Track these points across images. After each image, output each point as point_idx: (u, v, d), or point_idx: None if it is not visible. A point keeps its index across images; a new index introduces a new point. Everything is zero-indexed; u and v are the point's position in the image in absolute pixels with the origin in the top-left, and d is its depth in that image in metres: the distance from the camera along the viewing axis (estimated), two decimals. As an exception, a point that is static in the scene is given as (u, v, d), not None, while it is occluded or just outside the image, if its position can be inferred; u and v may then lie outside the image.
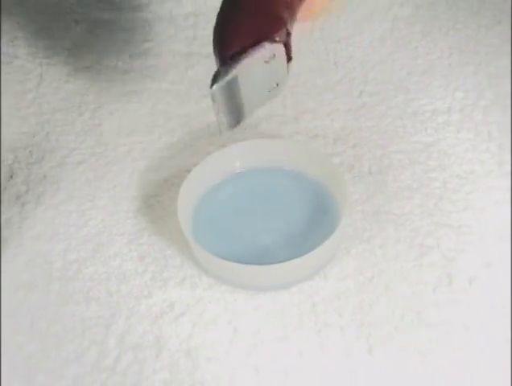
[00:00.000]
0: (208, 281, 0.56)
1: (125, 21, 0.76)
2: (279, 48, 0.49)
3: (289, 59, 0.50)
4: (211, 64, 0.71)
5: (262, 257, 0.55)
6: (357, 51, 0.72)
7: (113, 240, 0.59)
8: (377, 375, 0.50)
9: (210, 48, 0.72)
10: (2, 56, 0.73)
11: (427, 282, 0.55)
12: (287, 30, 0.49)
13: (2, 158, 0.64)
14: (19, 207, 0.61)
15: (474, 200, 0.59)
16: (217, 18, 0.50)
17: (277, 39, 0.49)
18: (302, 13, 0.52)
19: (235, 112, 0.50)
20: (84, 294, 0.55)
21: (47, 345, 0.53)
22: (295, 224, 0.58)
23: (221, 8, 0.50)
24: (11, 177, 0.63)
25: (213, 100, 0.48)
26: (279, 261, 0.53)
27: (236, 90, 0.49)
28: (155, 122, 0.67)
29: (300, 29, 0.51)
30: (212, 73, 0.48)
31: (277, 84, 0.51)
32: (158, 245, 0.58)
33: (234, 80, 0.48)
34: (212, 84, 0.47)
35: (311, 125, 0.66)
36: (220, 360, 0.51)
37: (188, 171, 0.59)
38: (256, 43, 0.48)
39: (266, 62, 0.49)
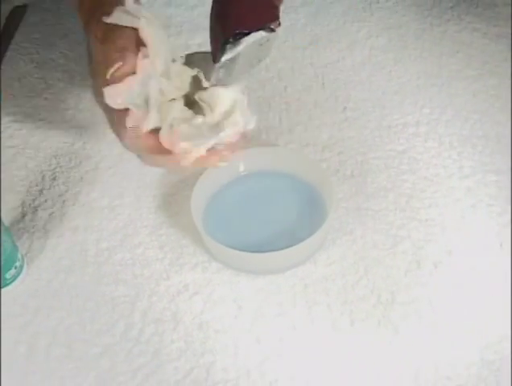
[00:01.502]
0: (216, 266, 0.55)
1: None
2: (273, 35, 0.48)
3: (279, 24, 0.49)
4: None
5: (262, 246, 0.54)
6: (341, 74, 0.71)
7: (137, 232, 0.58)
8: (358, 344, 0.50)
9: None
10: (47, 81, 0.72)
11: (399, 267, 0.54)
12: (279, 20, 0.49)
13: (46, 164, 0.63)
14: (60, 204, 0.60)
15: (438, 198, 0.58)
16: (218, 4, 0.49)
17: (272, 27, 0.48)
18: None
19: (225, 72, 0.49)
20: (113, 277, 0.55)
21: (83, 319, 0.52)
22: (290, 218, 0.57)
23: None
24: (54, 179, 0.62)
25: (218, 68, 0.48)
26: (276, 250, 0.52)
27: (231, 62, 0.48)
28: (173, 133, 0.66)
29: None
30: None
31: (259, 60, 0.51)
32: (174, 236, 0.57)
33: (236, 56, 0.48)
34: (219, 57, 0.47)
35: (303, 136, 0.65)
36: (227, 332, 0.51)
37: (200, 174, 0.58)
38: (256, 29, 0.47)
39: (260, 45, 0.48)
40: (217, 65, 0.47)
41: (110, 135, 0.65)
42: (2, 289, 0.53)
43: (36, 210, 0.60)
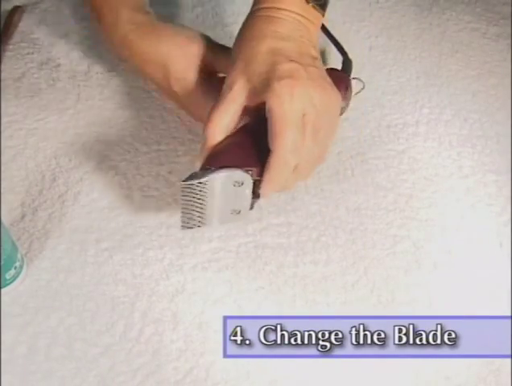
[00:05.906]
0: (216, 266, 0.55)
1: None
2: (248, 179, 0.48)
3: (256, 196, 0.49)
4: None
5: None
6: (340, 74, 0.70)
7: (137, 232, 0.58)
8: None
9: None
10: (46, 80, 0.72)
11: (399, 267, 0.54)
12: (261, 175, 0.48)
13: (46, 164, 0.63)
14: (60, 204, 0.60)
15: (438, 198, 0.59)
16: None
17: (249, 171, 0.48)
18: None
19: (195, 216, 0.49)
20: (113, 277, 0.55)
21: (83, 319, 0.52)
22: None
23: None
24: (54, 179, 0.62)
25: (181, 194, 0.48)
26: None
27: (201, 194, 0.48)
28: (175, 134, 0.66)
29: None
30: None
31: (239, 211, 0.50)
32: (174, 236, 0.57)
33: (203, 185, 0.47)
34: (184, 180, 0.47)
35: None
36: (226, 332, 0.51)
37: (200, 174, 0.58)
38: (233, 167, 0.48)
39: (234, 185, 0.48)
40: (181, 186, 0.48)
41: (110, 135, 0.66)
42: (2, 289, 0.53)
43: (36, 210, 0.60)
